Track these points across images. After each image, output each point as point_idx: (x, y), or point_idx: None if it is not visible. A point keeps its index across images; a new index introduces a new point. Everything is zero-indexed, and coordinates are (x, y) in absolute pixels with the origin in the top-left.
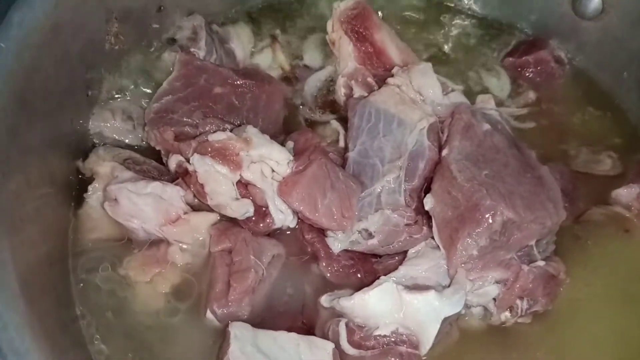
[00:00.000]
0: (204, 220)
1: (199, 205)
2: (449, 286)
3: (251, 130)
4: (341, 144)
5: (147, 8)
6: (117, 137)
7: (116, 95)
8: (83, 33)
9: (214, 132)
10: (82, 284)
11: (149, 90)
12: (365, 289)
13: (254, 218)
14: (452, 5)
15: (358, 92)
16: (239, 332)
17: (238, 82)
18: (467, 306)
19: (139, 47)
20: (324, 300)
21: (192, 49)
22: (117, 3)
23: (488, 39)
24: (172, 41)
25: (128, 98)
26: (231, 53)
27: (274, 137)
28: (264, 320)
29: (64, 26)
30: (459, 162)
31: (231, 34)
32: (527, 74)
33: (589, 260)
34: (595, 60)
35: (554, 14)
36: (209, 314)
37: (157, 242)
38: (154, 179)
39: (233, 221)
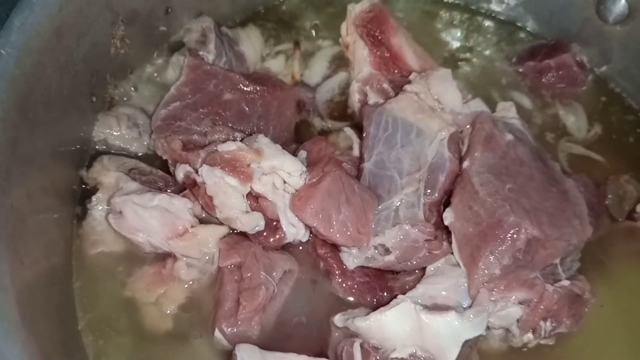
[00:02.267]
0: (213, 233)
1: (207, 218)
2: (470, 307)
3: (262, 140)
4: (355, 153)
5: (155, 10)
6: (122, 145)
7: (121, 101)
8: (88, 37)
9: (224, 141)
10: (85, 304)
11: (155, 96)
12: (382, 308)
13: (264, 232)
14: (474, 7)
15: (373, 98)
16: (247, 356)
17: (249, 87)
18: (488, 328)
19: (146, 51)
20: (338, 319)
21: (200, 52)
22: (123, 5)
23: (505, 43)
24: (180, 44)
25: (134, 104)
26: (241, 56)
27: (285, 145)
28: (273, 340)
29: (67, 30)
30: (481, 175)
31: (241, 36)
32: (548, 79)
33: (613, 279)
34: (619, 66)
35: (577, 18)
36: (217, 333)
37: (163, 258)
38: (160, 190)
39: (243, 235)
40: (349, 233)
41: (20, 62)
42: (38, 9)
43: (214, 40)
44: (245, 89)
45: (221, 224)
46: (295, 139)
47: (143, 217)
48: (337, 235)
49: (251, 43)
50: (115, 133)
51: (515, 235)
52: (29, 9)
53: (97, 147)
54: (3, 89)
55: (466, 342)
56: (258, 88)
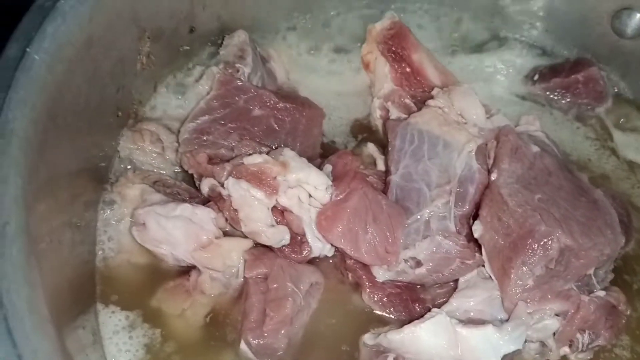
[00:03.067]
0: (237, 246)
1: (231, 231)
2: (507, 320)
3: (288, 154)
4: (380, 167)
5: (179, 29)
6: (146, 160)
7: (146, 117)
8: (115, 50)
9: (250, 155)
10: (110, 316)
11: (179, 113)
12: (417, 321)
13: (290, 246)
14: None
15: (395, 113)
16: None
17: (279, 105)
18: (524, 341)
19: (170, 68)
20: (368, 338)
21: (237, 65)
22: (149, 22)
23: (522, 62)
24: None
25: (158, 120)
26: (272, 73)
27: (310, 161)
28: (300, 354)
29: (96, 41)
30: (510, 185)
31: (271, 54)
32: (575, 95)
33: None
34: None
35: (591, 34)
36: (242, 346)
37: (186, 271)
38: (184, 201)
39: (268, 248)
40: (376, 253)
41: (52, 68)
42: (70, 18)
43: (251, 54)
44: (275, 106)
45: (245, 237)
46: (321, 156)
47: (166, 227)
48: (365, 256)
49: (281, 61)
50: (139, 148)
51: (547, 245)
52: (61, 17)
53: (121, 162)
54: (35, 92)
55: (504, 357)
56: (288, 105)
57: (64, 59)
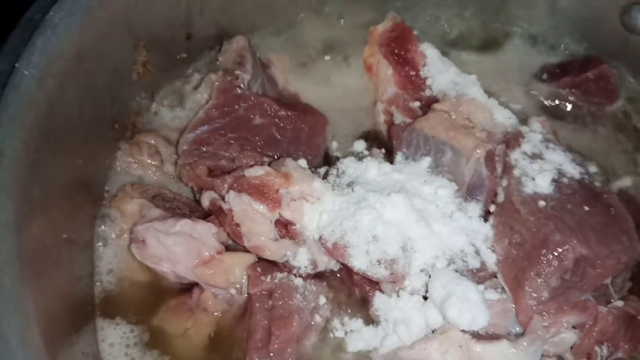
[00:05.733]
0: (240, 261)
1: (233, 245)
2: (522, 334)
3: (291, 164)
4: None
5: (176, 36)
6: (144, 174)
7: (143, 129)
8: (109, 62)
9: (251, 166)
10: (110, 339)
11: (178, 124)
12: (428, 336)
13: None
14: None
15: (399, 118)
16: None
17: (280, 113)
18: (541, 356)
19: (168, 77)
20: (378, 355)
21: (237, 72)
22: (145, 30)
23: (530, 60)
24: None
25: (156, 132)
26: (272, 79)
27: (315, 169)
28: None
29: (89, 53)
30: (521, 193)
31: (271, 60)
32: (586, 93)
33: None
34: None
35: (601, 30)
36: None
37: (189, 288)
38: (184, 216)
39: (272, 263)
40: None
41: (42, 83)
42: (60, 30)
43: (250, 60)
44: (276, 114)
45: (248, 252)
46: (324, 164)
47: (166, 244)
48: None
49: (281, 67)
50: (137, 162)
51: (562, 255)
52: (51, 30)
53: (120, 175)
54: (25, 110)
55: None
56: (289, 113)
57: (55, 73)
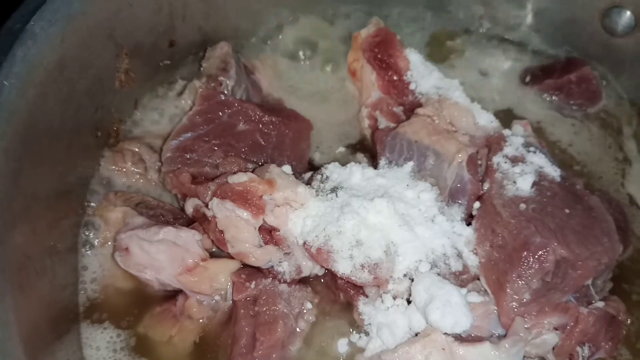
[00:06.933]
0: (224, 268)
1: (217, 252)
2: (504, 336)
3: (275, 171)
4: None
5: (158, 43)
6: (128, 181)
7: (127, 136)
8: (91, 70)
9: (235, 173)
10: (96, 346)
11: (161, 131)
12: (411, 340)
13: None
14: (473, 29)
15: (384, 123)
16: None
17: (264, 118)
18: (523, 357)
19: (151, 84)
20: (362, 358)
21: (220, 78)
22: (127, 38)
23: (513, 63)
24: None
25: (139, 139)
26: (257, 85)
27: (299, 175)
28: None
29: (70, 62)
30: (503, 196)
31: (256, 65)
32: (569, 95)
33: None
34: (634, 79)
35: (582, 33)
36: None
37: (173, 295)
38: (168, 223)
39: (257, 269)
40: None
41: (23, 93)
42: (41, 40)
43: (234, 66)
44: (260, 119)
45: (232, 258)
46: (309, 169)
47: (149, 252)
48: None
49: (266, 72)
50: (120, 169)
51: (543, 257)
52: (31, 40)
53: (103, 183)
54: (5, 120)
55: None
56: (274, 119)
57: (35, 83)
